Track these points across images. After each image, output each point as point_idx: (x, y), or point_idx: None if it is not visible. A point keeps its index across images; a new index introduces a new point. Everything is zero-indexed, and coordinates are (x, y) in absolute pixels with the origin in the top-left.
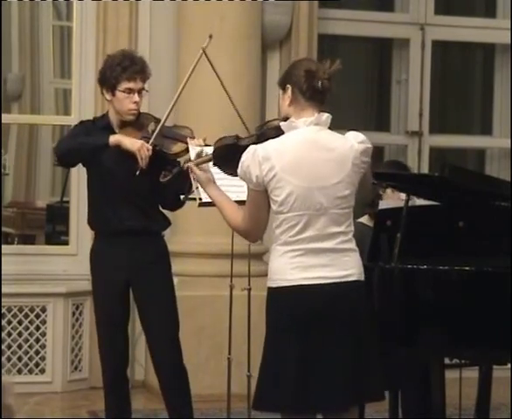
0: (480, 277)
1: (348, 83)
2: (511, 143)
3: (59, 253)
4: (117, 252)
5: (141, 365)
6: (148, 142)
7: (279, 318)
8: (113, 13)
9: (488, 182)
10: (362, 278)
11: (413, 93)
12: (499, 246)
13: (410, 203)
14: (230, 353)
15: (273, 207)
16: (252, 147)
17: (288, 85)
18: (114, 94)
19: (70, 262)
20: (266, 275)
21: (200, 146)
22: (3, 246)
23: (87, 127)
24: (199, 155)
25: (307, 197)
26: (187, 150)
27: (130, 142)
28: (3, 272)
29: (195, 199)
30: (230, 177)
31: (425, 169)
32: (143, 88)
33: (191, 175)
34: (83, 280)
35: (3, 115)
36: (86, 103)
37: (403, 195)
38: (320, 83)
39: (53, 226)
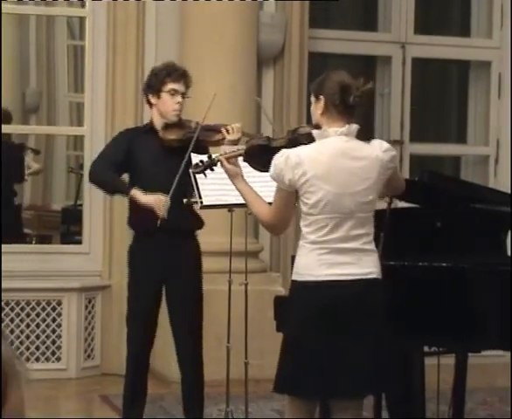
0: (456, 272)
1: None
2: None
3: (73, 252)
4: (151, 251)
5: None
6: (191, 137)
7: (304, 309)
8: (121, 33)
9: (464, 187)
10: (380, 276)
11: (395, 106)
12: (473, 245)
13: (392, 206)
14: (229, 342)
15: (304, 208)
16: (284, 152)
17: (321, 97)
18: (159, 97)
19: (83, 260)
20: (261, 271)
21: (235, 130)
22: (22, 246)
23: (129, 136)
24: (227, 152)
25: (336, 202)
26: (224, 138)
27: (146, 199)
28: (22, 269)
29: (196, 202)
30: (257, 173)
31: (405, 175)
32: (185, 93)
33: (222, 168)
34: (95, 276)
35: (22, 127)
36: (97, 115)
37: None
38: (352, 98)
39: (68, 227)
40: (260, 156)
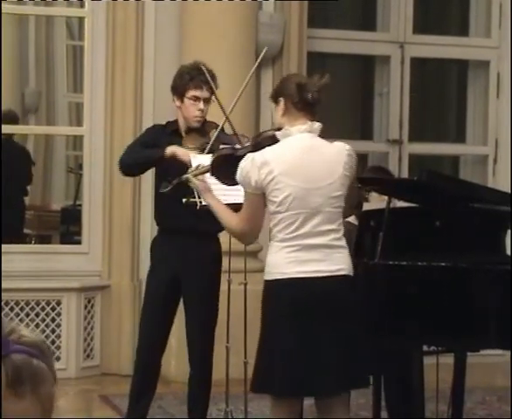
0: (455, 272)
1: (334, 96)
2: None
3: (73, 252)
4: (172, 248)
5: None
6: (207, 148)
7: (275, 308)
8: (120, 33)
9: (462, 186)
10: (351, 272)
11: (394, 105)
12: (472, 244)
13: (391, 205)
14: (228, 342)
15: (271, 207)
16: (249, 155)
17: (281, 98)
18: (182, 101)
19: (82, 260)
20: (261, 271)
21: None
22: (21, 246)
23: (156, 131)
24: (197, 167)
25: (304, 197)
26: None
27: (183, 153)
28: (21, 269)
29: (196, 202)
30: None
31: (405, 174)
32: (210, 98)
33: (190, 185)
34: (94, 276)
35: (22, 126)
36: (96, 115)
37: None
38: (310, 95)
39: (67, 227)
40: (227, 167)
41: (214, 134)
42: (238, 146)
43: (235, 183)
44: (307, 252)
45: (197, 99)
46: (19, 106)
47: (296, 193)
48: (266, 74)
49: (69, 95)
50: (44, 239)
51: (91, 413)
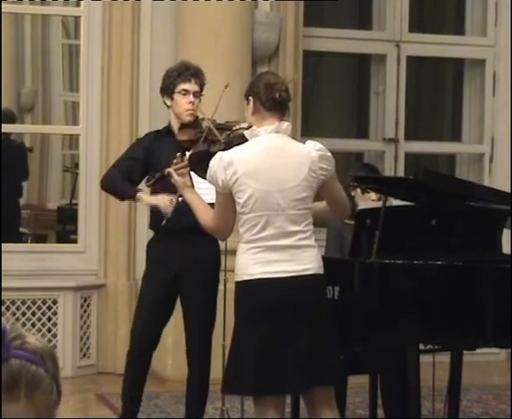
0: (451, 270)
1: (330, 94)
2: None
3: (69, 251)
4: (168, 250)
5: None
6: (201, 138)
7: (243, 309)
8: (116, 33)
9: (458, 185)
10: (320, 271)
11: (390, 104)
12: (468, 242)
13: (387, 204)
14: (224, 340)
15: (237, 208)
16: (218, 154)
17: (250, 97)
18: (172, 98)
19: (78, 259)
20: None
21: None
22: (17, 245)
23: (149, 140)
24: (177, 161)
25: (266, 199)
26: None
27: (150, 199)
28: (17, 268)
29: None
30: (205, 181)
31: (400, 173)
32: (199, 91)
33: (171, 179)
34: (90, 275)
35: (17, 125)
36: (92, 114)
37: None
38: (278, 94)
39: (63, 226)
40: (203, 163)
41: (207, 125)
42: (211, 143)
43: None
44: (273, 253)
45: (186, 92)
46: (15, 105)
47: (258, 195)
48: None
49: (65, 94)
50: (40, 238)
51: (87, 412)
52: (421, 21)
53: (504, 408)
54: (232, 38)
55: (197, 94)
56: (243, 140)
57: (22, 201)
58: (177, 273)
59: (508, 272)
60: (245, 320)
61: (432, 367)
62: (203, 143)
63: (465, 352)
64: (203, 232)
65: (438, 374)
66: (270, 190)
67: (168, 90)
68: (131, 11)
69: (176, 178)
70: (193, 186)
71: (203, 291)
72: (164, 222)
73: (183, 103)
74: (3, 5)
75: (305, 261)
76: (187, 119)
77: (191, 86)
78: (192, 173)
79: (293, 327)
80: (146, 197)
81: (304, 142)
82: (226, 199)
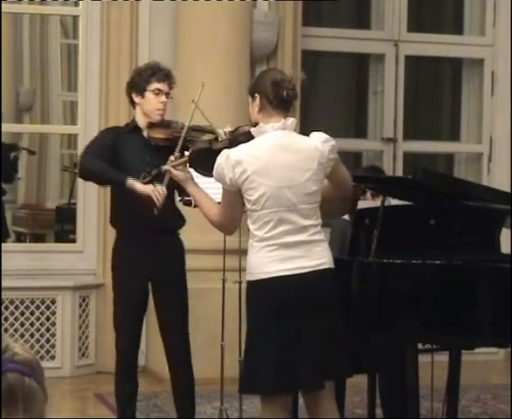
0: (450, 270)
1: (329, 94)
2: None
3: (67, 250)
4: (136, 250)
5: (142, 351)
6: (177, 137)
7: (260, 308)
8: (115, 32)
9: (457, 184)
10: (332, 265)
11: (388, 103)
12: (467, 242)
13: (385, 204)
14: (223, 340)
15: (248, 205)
16: (225, 152)
17: (256, 95)
18: (143, 96)
19: (77, 258)
20: None
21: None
22: (16, 244)
23: (114, 134)
24: (176, 159)
25: (277, 196)
26: (216, 138)
27: (143, 188)
28: (16, 268)
29: (191, 201)
30: (206, 178)
31: (399, 172)
32: (169, 93)
33: (171, 176)
34: (89, 275)
35: (16, 125)
36: (91, 114)
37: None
38: (285, 92)
39: (62, 226)
40: (204, 160)
41: (185, 126)
42: (215, 139)
43: (211, 174)
44: (287, 250)
45: (159, 92)
46: (14, 104)
47: (270, 192)
48: None
49: (63, 94)
50: (38, 238)
51: (86, 411)
52: (420, 21)
53: (503, 407)
54: (231, 38)
55: (168, 95)
56: (249, 137)
57: (20, 200)
58: (148, 276)
59: (506, 272)
60: (263, 319)
61: (431, 366)
62: (203, 140)
63: (463, 351)
64: (168, 232)
65: (436, 374)
66: (281, 187)
67: (139, 87)
68: (129, 11)
69: (175, 173)
70: None
71: (176, 289)
72: (156, 211)
73: (155, 102)
74: (2, 5)
75: (319, 255)
76: (157, 118)
77: (164, 87)
78: (192, 170)
79: (311, 323)
80: (139, 185)
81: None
82: (233, 196)
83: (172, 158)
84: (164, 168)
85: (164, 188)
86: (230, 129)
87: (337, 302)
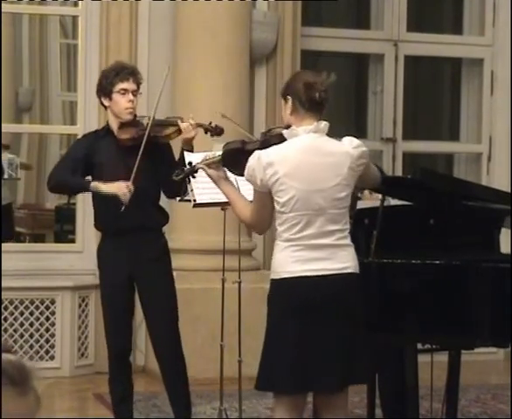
0: (450, 270)
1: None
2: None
3: (67, 250)
4: (120, 250)
5: (142, 351)
6: (143, 135)
7: (281, 307)
8: (114, 32)
9: (457, 184)
10: (357, 270)
11: (388, 103)
12: (466, 242)
13: (385, 204)
14: (222, 340)
15: (276, 207)
16: (256, 153)
17: (289, 97)
18: (111, 98)
19: (76, 258)
20: (255, 269)
21: (190, 127)
22: (15, 245)
23: (88, 141)
24: (206, 158)
25: (307, 199)
26: (178, 131)
27: (107, 187)
28: (15, 268)
29: (190, 200)
30: (239, 177)
31: (398, 172)
32: (137, 90)
33: (205, 173)
34: (88, 275)
35: (15, 125)
36: (90, 114)
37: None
38: (317, 95)
39: (61, 226)
40: (236, 160)
41: (150, 121)
42: (246, 140)
43: (243, 174)
44: (313, 251)
45: (125, 91)
46: (13, 104)
47: (300, 195)
48: (260, 72)
49: (63, 94)
50: (38, 238)
51: (85, 412)
52: (419, 20)
53: (502, 407)
54: (230, 38)
55: (135, 93)
56: (280, 139)
57: (19, 201)
58: (130, 275)
59: (505, 272)
60: (285, 318)
61: (431, 366)
62: (236, 140)
63: (463, 351)
64: (150, 230)
65: (436, 374)
66: (310, 190)
67: (106, 90)
68: (129, 11)
69: (209, 171)
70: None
71: (162, 287)
72: (123, 208)
73: (122, 102)
74: (2, 5)
75: (344, 259)
76: (127, 117)
77: (130, 85)
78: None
79: (332, 325)
80: (103, 186)
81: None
82: (264, 197)
83: (207, 156)
84: (198, 165)
85: (131, 184)
86: (193, 122)
87: (360, 307)
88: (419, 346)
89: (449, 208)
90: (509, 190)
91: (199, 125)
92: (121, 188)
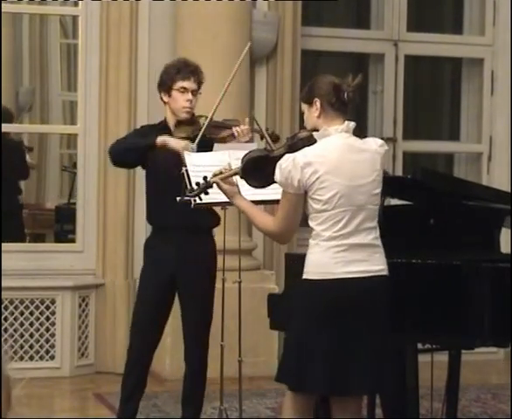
0: (450, 270)
1: None
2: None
3: (67, 250)
4: (167, 247)
5: None
6: (198, 135)
7: (320, 307)
8: (114, 32)
9: (457, 184)
10: (387, 273)
11: (388, 103)
12: (467, 242)
13: (385, 203)
14: (222, 340)
15: (316, 206)
16: (289, 156)
17: (316, 99)
18: (170, 95)
19: (76, 258)
20: (255, 269)
21: (245, 133)
22: (16, 244)
23: (145, 130)
24: (221, 171)
25: (349, 195)
26: (233, 135)
27: (175, 142)
28: (15, 268)
29: (190, 201)
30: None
31: (399, 172)
32: (197, 90)
33: (219, 188)
34: (88, 275)
35: (15, 125)
36: (90, 113)
37: None
38: (346, 95)
39: (61, 226)
40: (259, 170)
41: (205, 122)
42: (268, 148)
43: (263, 186)
44: (353, 252)
45: (185, 89)
46: (13, 104)
47: (343, 191)
48: (260, 72)
49: (63, 93)
50: (38, 237)
51: (85, 412)
52: (419, 20)
53: (503, 407)
54: (230, 38)
55: (195, 92)
56: (308, 142)
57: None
58: (174, 273)
59: (505, 271)
60: (322, 318)
61: (431, 366)
62: (258, 149)
63: (463, 351)
64: (200, 230)
65: (436, 374)
66: (352, 185)
67: (165, 86)
68: (129, 11)
69: (224, 187)
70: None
71: (202, 289)
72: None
73: (181, 100)
74: (2, 4)
75: (378, 261)
76: (184, 116)
77: (190, 84)
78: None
79: (369, 327)
80: (169, 139)
81: None
82: (298, 199)
83: (218, 170)
84: (212, 180)
85: (194, 146)
86: (247, 127)
87: (389, 310)
88: (419, 345)
89: (449, 208)
90: (509, 190)
91: (256, 131)
92: (186, 147)
